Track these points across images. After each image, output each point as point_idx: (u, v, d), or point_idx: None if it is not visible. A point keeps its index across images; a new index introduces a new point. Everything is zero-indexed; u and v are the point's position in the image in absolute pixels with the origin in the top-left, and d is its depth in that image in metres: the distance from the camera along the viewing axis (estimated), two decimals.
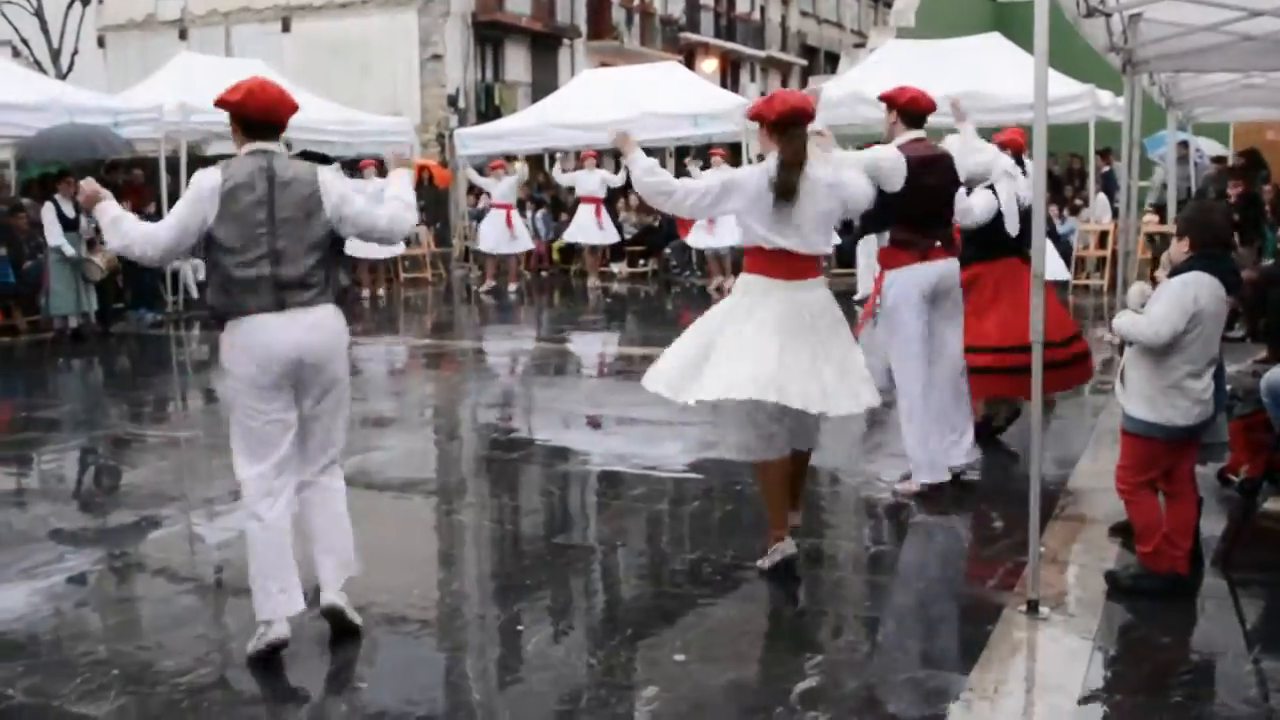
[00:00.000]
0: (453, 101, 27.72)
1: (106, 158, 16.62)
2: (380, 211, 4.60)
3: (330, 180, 4.47)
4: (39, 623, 4.94)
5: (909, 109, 6.20)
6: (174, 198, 14.87)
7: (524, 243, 17.47)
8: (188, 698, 4.13)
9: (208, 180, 4.31)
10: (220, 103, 4.38)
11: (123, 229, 4.38)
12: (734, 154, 18.84)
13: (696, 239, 16.57)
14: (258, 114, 4.40)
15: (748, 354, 4.96)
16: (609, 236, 17.81)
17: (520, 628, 4.75)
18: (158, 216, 14.96)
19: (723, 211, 5.27)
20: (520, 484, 7.17)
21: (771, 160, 5.11)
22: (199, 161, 16.06)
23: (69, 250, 12.99)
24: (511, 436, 8.35)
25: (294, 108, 4.49)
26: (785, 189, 5.00)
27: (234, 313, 4.36)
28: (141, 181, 16.08)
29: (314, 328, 4.41)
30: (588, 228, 17.50)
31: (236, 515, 6.49)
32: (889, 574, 5.40)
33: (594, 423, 8.84)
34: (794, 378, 4.94)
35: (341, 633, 4.55)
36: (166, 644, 4.65)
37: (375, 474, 7.22)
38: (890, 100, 6.27)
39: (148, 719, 3.99)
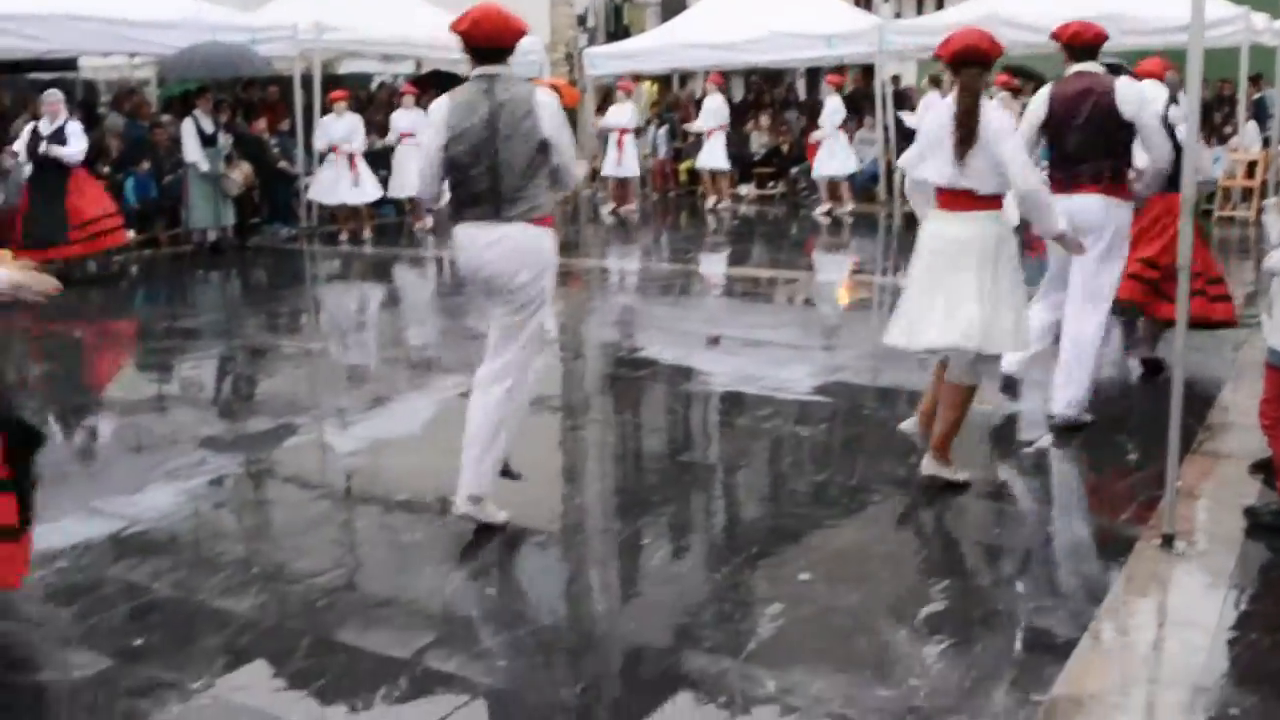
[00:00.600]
0: (581, 21, 27.54)
1: (244, 76, 16.93)
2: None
3: (546, 102, 4.67)
4: (181, 522, 5.12)
5: (1071, 43, 6.11)
6: (308, 115, 15.17)
7: (629, 168, 17.20)
8: (323, 597, 4.25)
9: (439, 106, 4.67)
10: (451, 29, 4.64)
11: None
12: (866, 77, 18.50)
13: (821, 165, 16.29)
14: (482, 40, 4.62)
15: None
16: (721, 162, 17.50)
17: (643, 542, 4.78)
18: (292, 134, 15.37)
19: None
20: (644, 402, 7.20)
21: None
22: (332, 80, 16.28)
23: (206, 166, 13.26)
24: (636, 355, 8.36)
25: (519, 32, 4.69)
26: (964, 134, 4.96)
27: (457, 221, 4.75)
28: (276, 99, 16.31)
29: (499, 241, 4.66)
30: (714, 154, 17.27)
31: (366, 425, 6.67)
32: (1021, 504, 5.30)
33: (718, 343, 8.81)
34: (903, 311, 5.20)
35: (485, 531, 4.75)
36: (301, 546, 4.79)
37: None
38: (1055, 37, 6.19)
39: (286, 616, 4.11)
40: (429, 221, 15.30)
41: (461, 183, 4.68)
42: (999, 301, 5.02)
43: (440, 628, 3.98)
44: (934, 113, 5.31)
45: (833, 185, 16.23)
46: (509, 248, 4.67)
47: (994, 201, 5.07)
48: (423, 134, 4.75)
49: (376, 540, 4.88)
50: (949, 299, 5.03)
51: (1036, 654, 3.78)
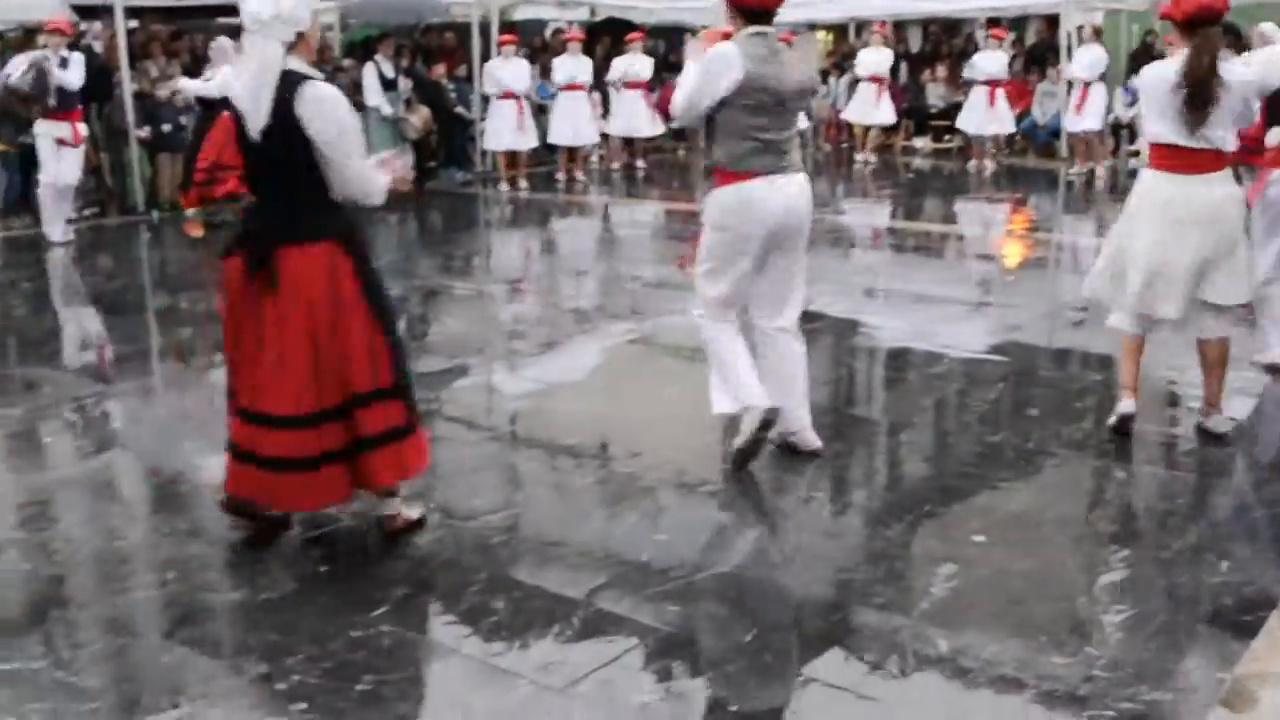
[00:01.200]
0: None
1: (424, 22, 17.21)
2: None
3: (812, 63, 4.82)
4: None
5: None
6: (484, 61, 15.34)
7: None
8: (497, 535, 4.35)
9: (727, 54, 4.67)
10: None
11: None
12: (1051, 26, 17.88)
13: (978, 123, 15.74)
14: (754, 3, 4.74)
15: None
16: (886, 115, 17.10)
17: (812, 495, 4.77)
18: (469, 80, 15.57)
19: None
20: (810, 355, 7.12)
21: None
22: (507, 26, 16.43)
23: (387, 110, 13.54)
24: (818, 309, 8.25)
25: None
26: (1198, 97, 4.86)
27: (736, 175, 4.78)
28: (454, 45, 16.54)
29: (799, 194, 4.85)
30: (866, 105, 16.89)
31: (534, 369, 6.77)
32: (1210, 473, 5.09)
33: (889, 298, 8.68)
34: (1137, 277, 5.12)
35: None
36: (473, 485, 4.90)
37: (666, 338, 7.33)
38: None
39: (461, 551, 4.22)
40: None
41: (742, 133, 4.73)
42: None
43: (612, 570, 4.03)
44: (1154, 73, 5.12)
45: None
46: (806, 196, 4.89)
47: (1229, 158, 5.07)
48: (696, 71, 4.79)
49: (545, 482, 4.97)
50: (1214, 263, 5.03)
51: (1221, 629, 3.66)
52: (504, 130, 14.68)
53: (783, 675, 3.39)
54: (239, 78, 4.07)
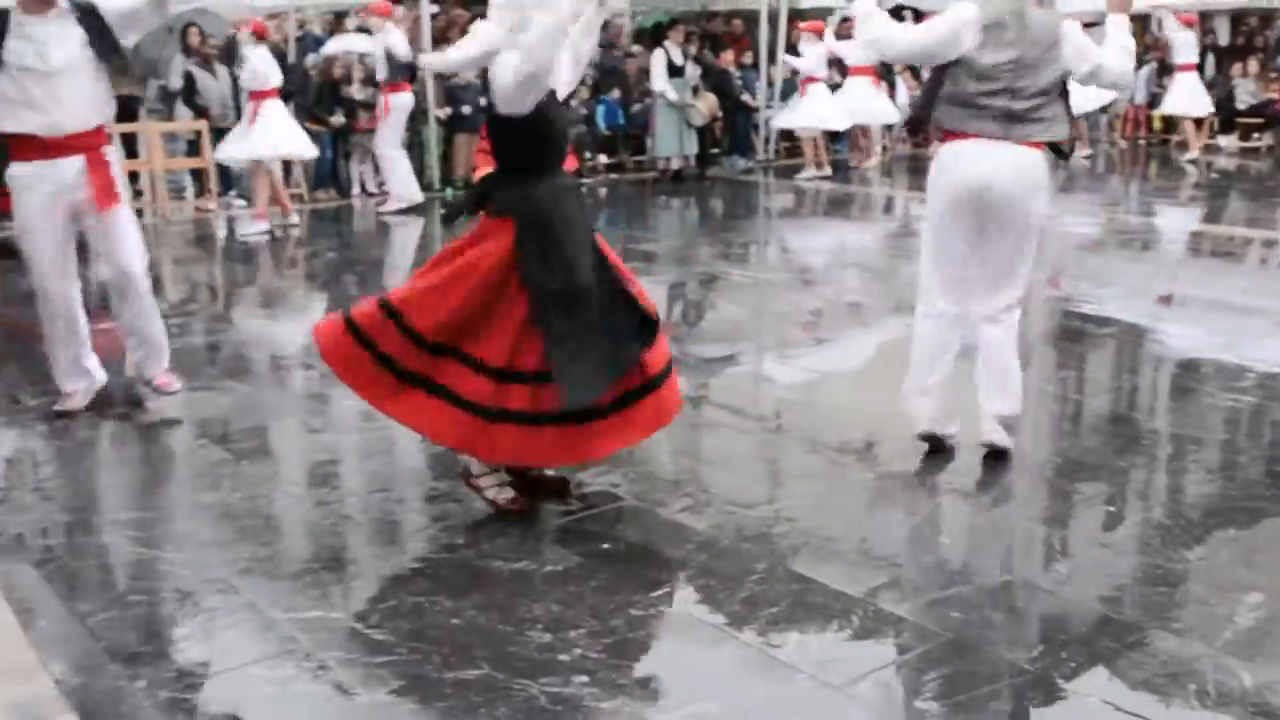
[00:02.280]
0: None
1: (707, 6, 17.34)
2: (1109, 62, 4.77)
3: (1070, 30, 4.72)
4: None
5: None
6: (771, 50, 15.35)
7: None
8: (775, 524, 4.35)
9: (967, 12, 4.64)
10: None
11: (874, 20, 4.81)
12: None
13: None
14: None
15: None
16: (1205, 105, 16.11)
17: (1102, 508, 4.57)
18: (755, 68, 15.60)
19: None
20: (1096, 360, 6.85)
21: None
22: (795, 14, 16.36)
23: (673, 95, 13.70)
24: (1084, 310, 7.92)
25: None
26: None
27: (955, 133, 4.75)
28: (741, 32, 16.59)
29: (1013, 165, 4.68)
30: (1186, 97, 15.95)
31: (806, 360, 6.72)
32: None
33: (1180, 304, 8.23)
34: None
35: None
36: (747, 473, 4.95)
37: None
38: None
39: (742, 539, 4.24)
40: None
41: (973, 95, 4.67)
42: None
43: (893, 570, 3.97)
44: None
45: None
46: (1022, 171, 4.70)
47: None
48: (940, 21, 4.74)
49: (821, 475, 4.92)
50: None
51: None
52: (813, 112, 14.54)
53: (1069, 694, 3.25)
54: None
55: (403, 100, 12.00)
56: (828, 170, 14.53)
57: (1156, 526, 4.42)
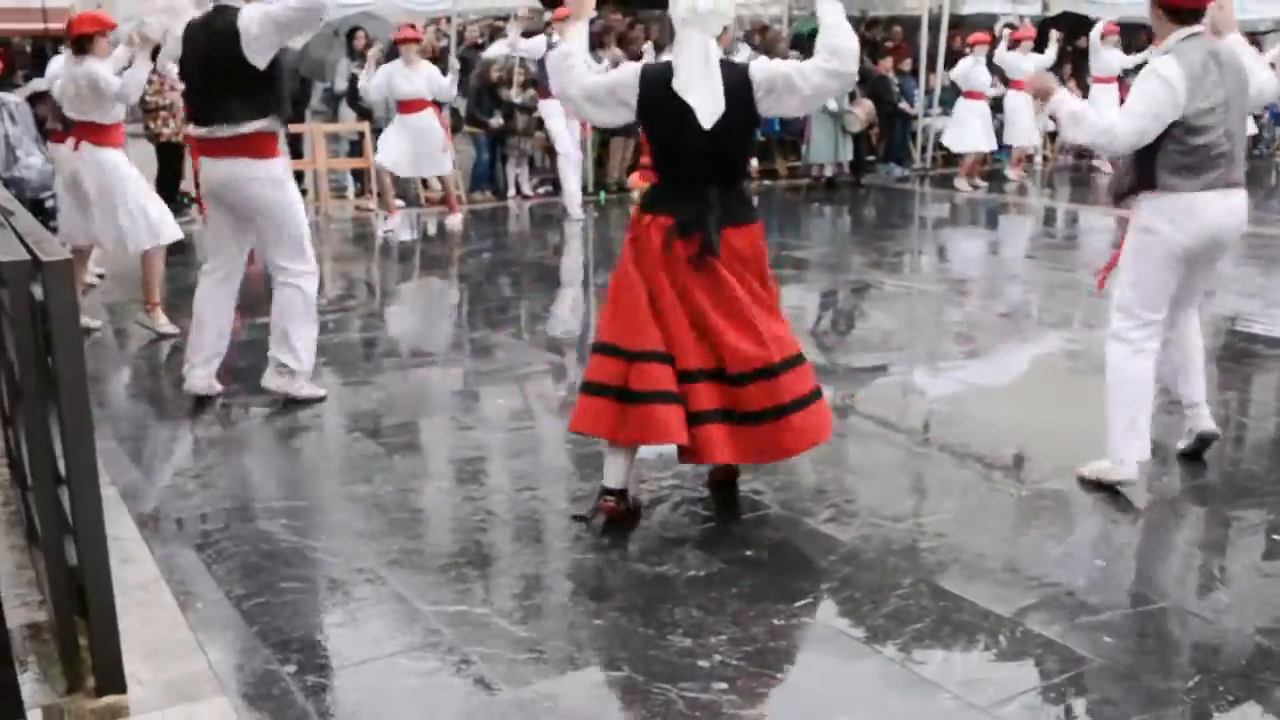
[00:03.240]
0: None
1: (867, 12, 17.13)
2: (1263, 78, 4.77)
3: (1252, 64, 4.70)
4: None
5: None
6: (931, 57, 15.12)
7: None
8: (922, 539, 4.28)
9: (1168, 69, 4.42)
10: None
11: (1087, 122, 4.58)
12: None
13: None
14: (1189, 1, 4.51)
15: None
16: None
17: (1266, 533, 4.38)
18: (914, 75, 15.38)
19: None
20: (1256, 380, 6.57)
21: None
22: (956, 20, 16.09)
23: (831, 103, 13.57)
24: (1252, 329, 7.59)
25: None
26: None
27: (1180, 186, 4.52)
28: (901, 39, 16.38)
29: (1239, 207, 4.65)
30: None
31: (958, 372, 6.59)
32: None
33: None
34: None
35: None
36: (892, 484, 4.89)
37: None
38: None
39: (888, 552, 4.17)
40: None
41: (1192, 148, 4.48)
42: None
43: (1043, 591, 3.86)
44: None
45: None
46: (1243, 211, 4.68)
47: None
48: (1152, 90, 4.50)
49: (968, 490, 4.81)
50: None
51: None
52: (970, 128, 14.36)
53: None
54: (680, 73, 4.18)
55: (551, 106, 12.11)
56: (979, 184, 14.27)
57: None
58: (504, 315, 8.06)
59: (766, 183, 14.49)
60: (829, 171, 14.03)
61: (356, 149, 12.98)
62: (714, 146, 4.20)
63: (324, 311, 7.51)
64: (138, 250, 7.27)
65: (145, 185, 7.41)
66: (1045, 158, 16.15)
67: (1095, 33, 14.83)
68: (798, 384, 4.30)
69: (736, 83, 4.16)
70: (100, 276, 8.58)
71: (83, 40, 6.88)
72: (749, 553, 4.15)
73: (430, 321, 8.24)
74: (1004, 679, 3.33)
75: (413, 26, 12.32)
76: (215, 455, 5.28)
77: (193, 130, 5.86)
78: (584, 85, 4.33)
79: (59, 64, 7.60)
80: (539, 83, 12.20)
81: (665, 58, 4.37)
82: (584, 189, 13.00)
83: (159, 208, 7.31)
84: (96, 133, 7.01)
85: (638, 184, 13.38)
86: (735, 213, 4.29)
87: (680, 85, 4.16)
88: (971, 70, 14.13)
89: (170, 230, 7.31)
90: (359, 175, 13.18)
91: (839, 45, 4.19)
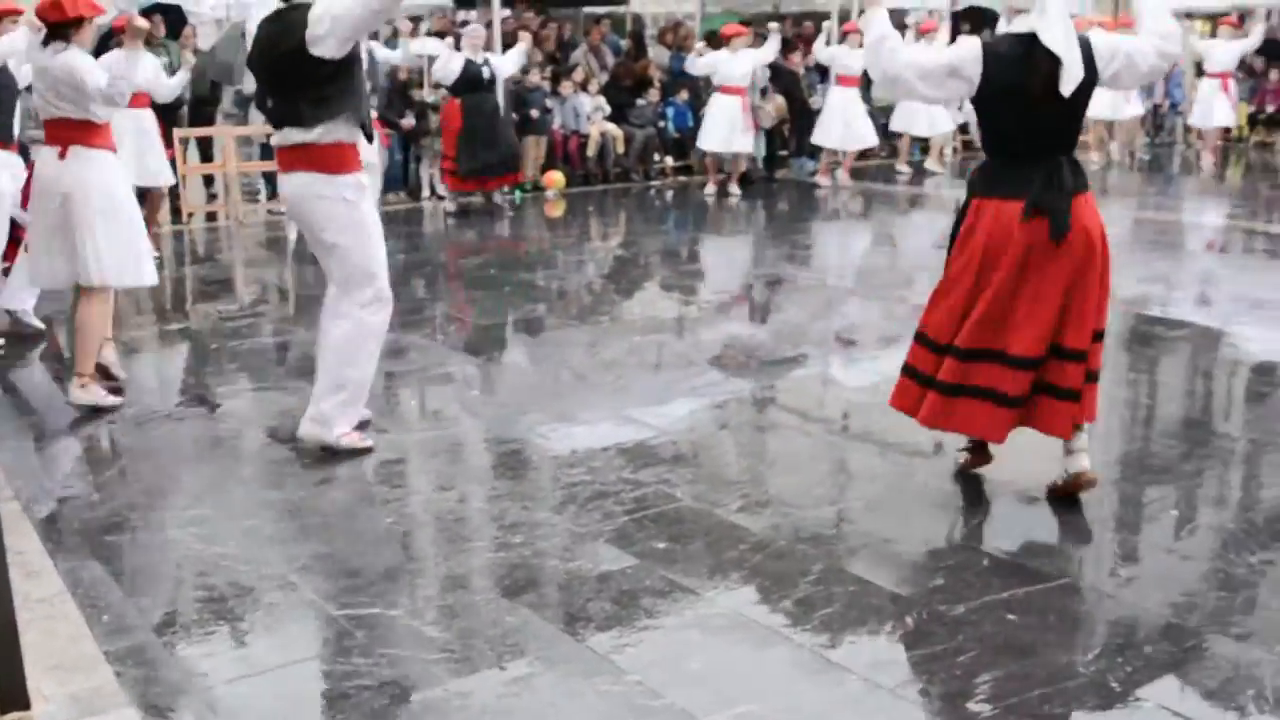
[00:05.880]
0: None
1: (778, 7, 17.26)
2: None
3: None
4: (703, 437, 5.39)
5: None
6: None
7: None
8: (832, 527, 4.35)
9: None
10: None
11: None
12: None
13: None
14: None
15: None
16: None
17: (1162, 512, 4.49)
18: (825, 70, 15.48)
19: None
20: (1168, 365, 6.73)
21: None
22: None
23: None
24: (1165, 314, 7.78)
25: None
26: None
27: None
28: (812, 34, 16.47)
29: None
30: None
31: (871, 363, 6.67)
32: None
33: (1257, 307, 8.04)
34: None
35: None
36: (806, 474, 4.92)
37: None
38: None
39: (798, 540, 4.23)
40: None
41: None
42: None
43: (949, 573, 3.93)
44: None
45: None
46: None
47: None
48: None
49: (879, 478, 4.90)
50: None
51: None
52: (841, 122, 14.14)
53: (1124, 698, 3.21)
54: (1054, 34, 4.22)
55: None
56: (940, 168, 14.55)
57: (1223, 531, 4.34)
58: (418, 316, 8.01)
59: (682, 179, 14.54)
60: (743, 166, 14.10)
61: (268, 152, 12.82)
62: (1068, 114, 4.34)
63: (237, 317, 7.46)
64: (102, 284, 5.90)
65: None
66: (955, 149, 16.38)
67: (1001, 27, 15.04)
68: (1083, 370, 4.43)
69: (1083, 52, 4.27)
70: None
71: (64, 26, 5.70)
72: (660, 545, 4.17)
73: None
74: (910, 660, 3.40)
75: None
76: (122, 464, 5.21)
77: (271, 140, 5.31)
78: (918, 64, 4.46)
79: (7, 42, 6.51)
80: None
81: (1012, 29, 4.42)
82: (502, 189, 12.95)
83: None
84: (87, 133, 5.83)
85: (551, 184, 13.44)
86: (1080, 180, 4.40)
87: (1058, 46, 4.20)
88: (846, 56, 13.75)
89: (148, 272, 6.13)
90: (270, 179, 13.03)
91: (1169, 29, 4.35)
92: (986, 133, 4.56)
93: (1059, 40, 4.18)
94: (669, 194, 13.70)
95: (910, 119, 14.84)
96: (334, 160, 5.03)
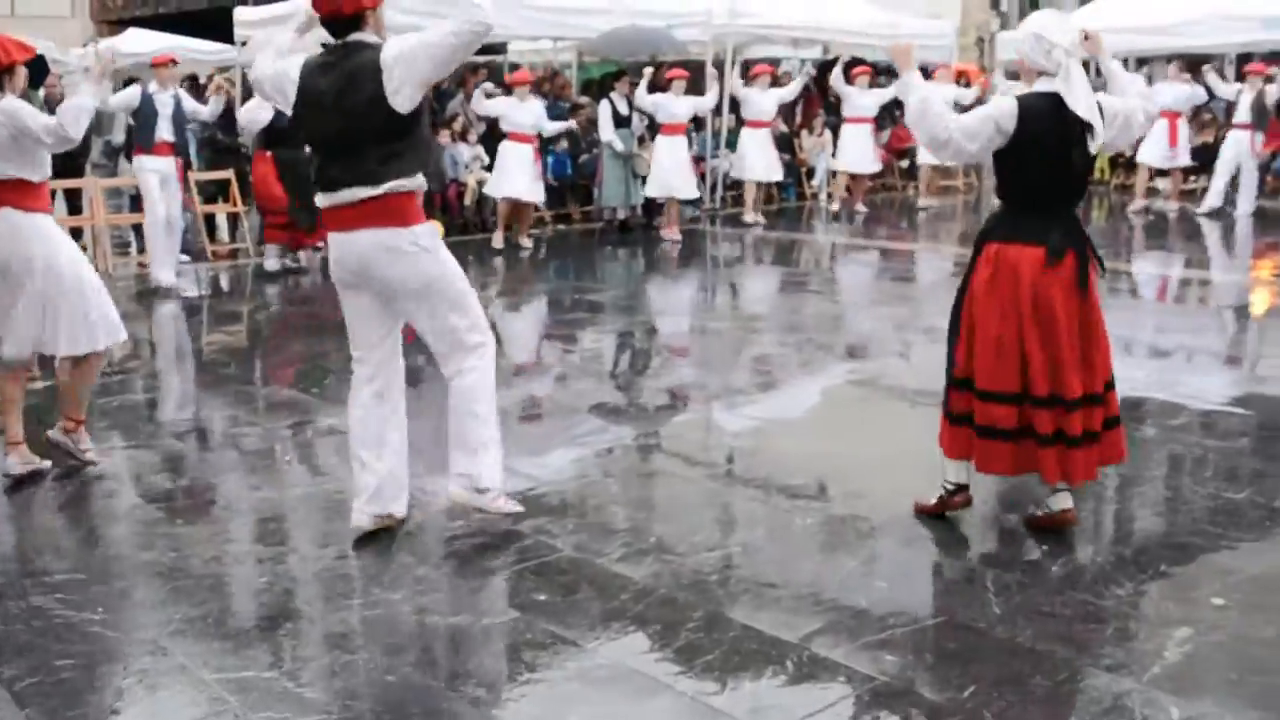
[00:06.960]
0: (995, 3, 26.78)
1: (655, 56, 17.46)
2: None
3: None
4: (583, 486, 5.38)
5: None
6: (719, 101, 15.46)
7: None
8: (714, 573, 4.36)
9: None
10: None
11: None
12: None
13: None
14: None
15: None
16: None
17: (1039, 549, 4.59)
18: (699, 119, 15.71)
19: None
20: None
21: None
22: (747, 64, 16.54)
23: (619, 146, 13.76)
24: None
25: None
26: None
27: None
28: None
29: None
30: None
31: (754, 406, 6.74)
32: None
33: (1122, 346, 8.32)
34: None
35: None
36: (690, 521, 4.92)
37: (890, 379, 7.19)
38: None
39: (678, 587, 4.23)
40: None
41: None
42: None
43: (828, 615, 3.98)
44: None
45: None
46: None
47: None
48: None
49: (762, 522, 4.94)
50: None
51: None
52: (758, 161, 14.93)
53: None
54: (1078, 97, 4.44)
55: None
56: (761, 218, 14.79)
57: (1091, 564, 4.45)
58: (296, 369, 7.90)
59: (560, 227, 14.58)
60: (621, 214, 14.19)
61: (136, 204, 12.56)
62: (1086, 167, 4.61)
63: (108, 374, 7.26)
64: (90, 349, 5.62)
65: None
66: (829, 194, 16.72)
67: (836, 74, 15.56)
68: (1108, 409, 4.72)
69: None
70: None
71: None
72: (541, 597, 4.15)
73: (217, 380, 8.01)
74: (790, 704, 3.42)
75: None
76: None
77: (319, 199, 4.63)
78: (961, 123, 4.60)
79: None
80: (140, 135, 10.93)
81: (1033, 89, 4.59)
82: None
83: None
84: (22, 194, 5.47)
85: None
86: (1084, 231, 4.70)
87: (1083, 109, 4.42)
88: (759, 99, 14.70)
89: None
90: (141, 231, 12.75)
91: (1144, 89, 4.62)
92: (1009, 182, 4.73)
93: (1082, 105, 4.44)
94: (547, 243, 13.70)
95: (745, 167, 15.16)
96: (409, 210, 4.58)
